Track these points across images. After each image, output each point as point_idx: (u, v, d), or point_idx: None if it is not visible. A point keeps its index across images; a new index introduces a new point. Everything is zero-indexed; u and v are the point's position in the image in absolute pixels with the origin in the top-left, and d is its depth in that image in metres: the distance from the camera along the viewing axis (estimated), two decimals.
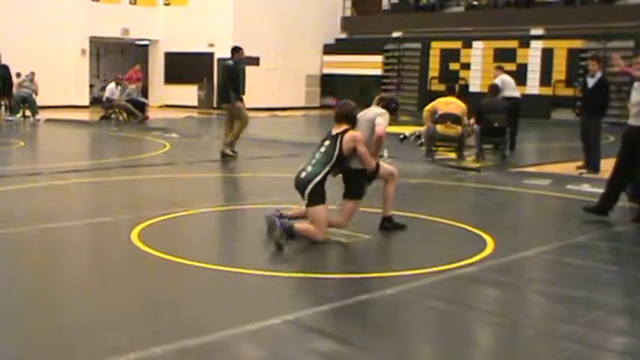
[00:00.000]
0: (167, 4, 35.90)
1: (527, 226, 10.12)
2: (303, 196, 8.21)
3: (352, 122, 8.49)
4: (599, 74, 14.15)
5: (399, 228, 8.71)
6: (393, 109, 9.00)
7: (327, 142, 8.38)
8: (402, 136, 20.05)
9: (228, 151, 15.78)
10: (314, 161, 8.31)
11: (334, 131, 8.42)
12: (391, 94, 9.11)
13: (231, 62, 16.47)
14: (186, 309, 6.03)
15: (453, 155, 15.83)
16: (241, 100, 16.44)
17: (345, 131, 8.35)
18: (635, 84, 9.85)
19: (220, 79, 16.34)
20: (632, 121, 9.84)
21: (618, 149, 10.04)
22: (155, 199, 11.22)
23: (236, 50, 16.64)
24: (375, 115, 8.72)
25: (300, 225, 8.16)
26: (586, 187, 12.48)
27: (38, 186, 11.81)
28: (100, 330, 5.46)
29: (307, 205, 8.20)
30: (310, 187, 8.14)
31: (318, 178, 8.17)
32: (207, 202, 10.48)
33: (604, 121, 14.68)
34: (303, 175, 8.25)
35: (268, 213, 8.27)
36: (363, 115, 8.79)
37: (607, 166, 14.48)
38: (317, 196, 8.17)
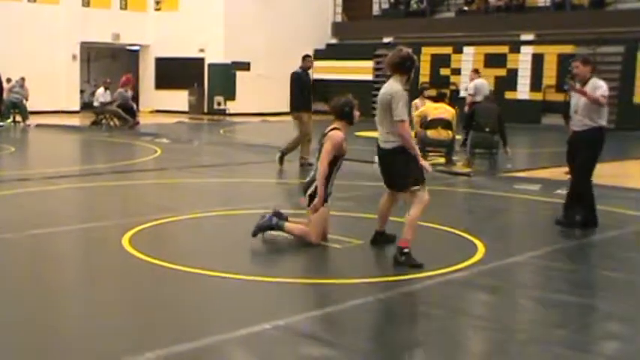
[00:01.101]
0: (158, 10, 35.89)
1: (517, 231, 10.15)
2: (304, 192, 8.37)
3: (344, 118, 8.44)
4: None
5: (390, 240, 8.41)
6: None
7: (323, 142, 8.40)
8: None
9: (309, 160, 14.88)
10: (316, 163, 8.42)
11: (326, 130, 8.46)
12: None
13: (300, 70, 15.84)
14: (178, 314, 6.02)
15: (442, 160, 15.86)
16: (308, 111, 15.47)
17: (332, 130, 8.36)
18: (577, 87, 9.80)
19: (293, 87, 15.59)
20: (575, 127, 9.69)
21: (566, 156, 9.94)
22: (146, 204, 11.21)
23: (304, 58, 16.07)
24: (389, 97, 7.75)
25: (291, 225, 8.19)
26: None
27: (29, 191, 11.79)
28: (90, 335, 5.45)
29: (308, 205, 8.27)
30: (311, 189, 8.23)
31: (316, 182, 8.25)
32: (198, 208, 10.47)
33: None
34: (307, 179, 8.46)
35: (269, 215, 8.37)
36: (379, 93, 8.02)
37: (596, 171, 14.56)
38: (314, 197, 8.22)
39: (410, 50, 7.99)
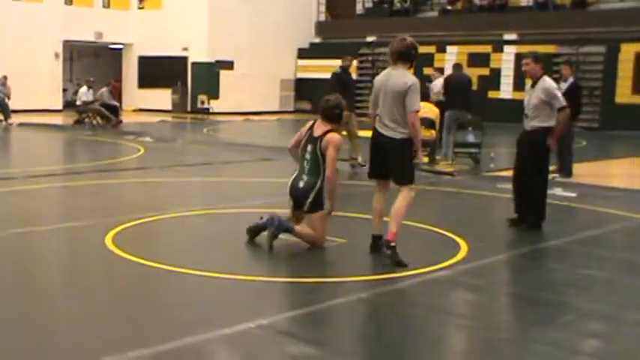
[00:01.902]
0: (141, 8, 35.81)
1: (500, 229, 10.17)
2: (302, 204, 8.18)
3: (335, 120, 8.40)
4: (571, 79, 14.28)
5: None
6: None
7: (309, 148, 8.29)
8: None
9: (359, 161, 14.82)
10: (307, 171, 8.26)
11: (316, 132, 8.32)
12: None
13: (339, 70, 15.62)
14: (161, 313, 6.02)
15: (425, 160, 15.88)
16: (352, 111, 15.03)
17: (326, 133, 8.26)
18: (527, 87, 9.82)
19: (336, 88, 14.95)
20: (527, 127, 9.65)
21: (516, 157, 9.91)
22: (129, 203, 11.19)
23: (344, 58, 15.97)
24: (405, 87, 7.68)
25: (302, 229, 8.15)
26: (559, 191, 12.55)
27: (11, 190, 11.74)
28: (73, 334, 5.44)
29: (307, 212, 8.18)
30: (312, 195, 8.15)
31: (317, 187, 8.17)
32: (182, 207, 10.45)
33: (577, 126, 14.79)
34: (302, 184, 8.22)
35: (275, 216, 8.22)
36: (387, 79, 7.86)
37: (579, 170, 14.65)
38: (317, 204, 8.19)
39: (412, 39, 7.93)
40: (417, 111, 7.67)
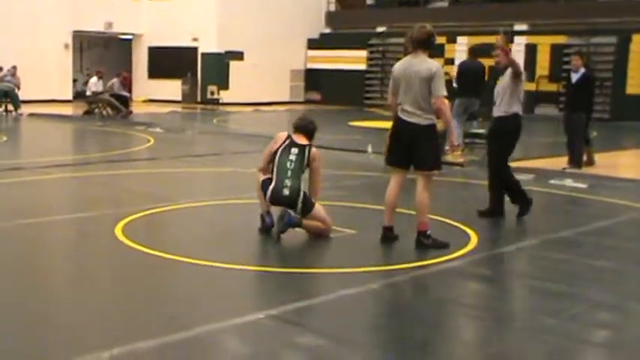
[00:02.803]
0: None
1: (510, 220, 10.15)
2: (293, 210, 8.13)
3: (311, 134, 8.46)
4: (582, 70, 14.21)
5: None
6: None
7: (294, 150, 8.26)
8: None
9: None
10: (290, 174, 8.17)
11: (298, 140, 8.34)
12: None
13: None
14: (170, 304, 6.03)
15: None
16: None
17: (310, 145, 8.34)
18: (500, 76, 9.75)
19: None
20: (498, 112, 9.59)
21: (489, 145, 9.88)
22: (139, 193, 11.20)
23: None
24: (430, 73, 7.72)
25: (309, 222, 8.16)
26: (569, 182, 12.54)
27: (21, 180, 11.77)
28: (83, 325, 5.45)
29: (303, 215, 8.15)
30: (300, 199, 8.10)
31: (302, 190, 8.14)
32: (192, 197, 10.47)
33: (588, 117, 14.70)
34: (287, 192, 8.12)
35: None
36: (408, 67, 7.88)
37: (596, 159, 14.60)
38: (308, 204, 8.16)
39: (430, 26, 7.93)
40: (444, 96, 7.70)
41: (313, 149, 8.33)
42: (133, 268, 7.12)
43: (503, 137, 9.50)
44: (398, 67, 8.00)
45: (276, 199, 8.20)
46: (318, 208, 8.23)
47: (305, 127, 8.48)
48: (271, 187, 8.21)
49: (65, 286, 6.59)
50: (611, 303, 6.35)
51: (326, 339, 5.23)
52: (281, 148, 8.30)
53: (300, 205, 8.10)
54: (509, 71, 9.38)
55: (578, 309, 6.08)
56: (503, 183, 9.67)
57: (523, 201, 9.74)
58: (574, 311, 6.01)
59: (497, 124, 9.59)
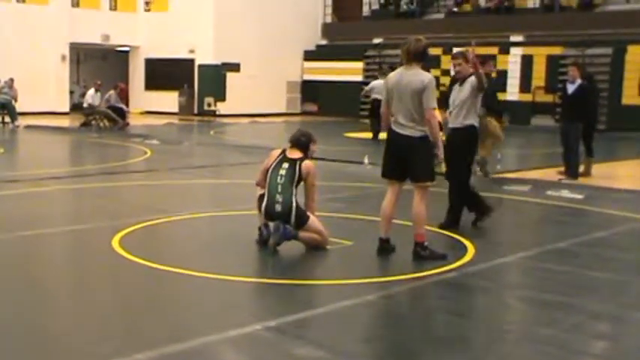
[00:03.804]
0: (148, 10, 35.82)
1: (507, 231, 10.18)
2: (288, 222, 8.11)
3: (304, 147, 8.43)
4: (579, 81, 14.24)
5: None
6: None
7: (285, 165, 8.27)
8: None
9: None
10: (280, 189, 8.16)
11: (290, 155, 8.35)
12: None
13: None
14: (168, 315, 6.02)
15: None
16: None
17: (302, 158, 8.31)
18: (456, 85, 9.66)
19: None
20: (454, 124, 9.48)
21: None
22: (136, 205, 11.20)
23: (484, 61, 15.07)
24: (422, 85, 7.73)
25: (305, 234, 8.16)
26: (566, 193, 12.56)
27: (18, 193, 11.76)
28: (81, 337, 5.44)
29: (298, 228, 8.12)
30: (293, 214, 8.09)
31: (294, 204, 8.11)
32: (189, 209, 10.47)
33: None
34: (279, 208, 8.10)
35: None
36: (400, 79, 7.89)
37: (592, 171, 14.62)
38: (303, 218, 8.15)
39: (424, 39, 7.96)
40: (435, 108, 7.71)
41: (305, 162, 8.29)
42: (131, 279, 7.12)
43: (463, 148, 9.45)
44: (391, 78, 8.02)
45: (270, 215, 8.20)
46: (313, 219, 8.23)
47: (297, 140, 8.47)
48: (264, 204, 8.24)
49: (63, 298, 6.58)
50: (609, 313, 6.36)
51: (324, 350, 5.23)
52: (273, 165, 8.32)
53: (293, 218, 8.10)
54: (471, 83, 9.32)
55: (575, 320, 6.08)
56: (468, 193, 9.65)
57: (479, 208, 9.72)
58: (572, 322, 6.02)
59: (454, 136, 9.45)
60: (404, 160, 7.86)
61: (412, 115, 7.73)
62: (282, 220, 8.10)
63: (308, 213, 8.24)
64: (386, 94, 8.04)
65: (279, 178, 8.22)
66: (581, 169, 14.71)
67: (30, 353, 5.10)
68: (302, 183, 8.28)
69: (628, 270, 7.94)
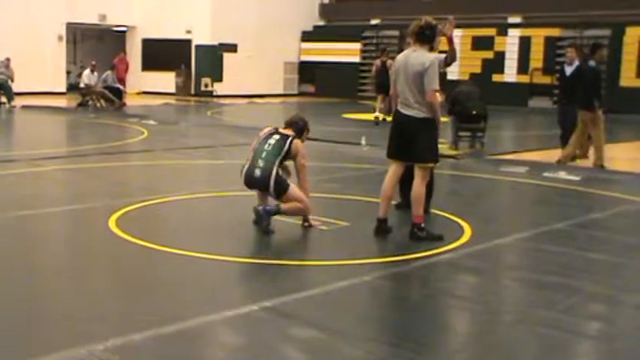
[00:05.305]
0: None
1: (504, 213, 10.18)
2: (267, 190, 8.11)
3: (299, 134, 8.40)
4: (577, 62, 14.21)
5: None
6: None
7: (275, 137, 8.27)
8: (376, 121, 20.42)
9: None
10: (264, 155, 8.15)
11: (283, 131, 8.37)
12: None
13: (593, 63, 13.79)
14: (164, 296, 6.03)
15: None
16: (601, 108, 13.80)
17: (294, 137, 8.29)
18: None
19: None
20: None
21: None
22: (133, 186, 11.19)
23: (598, 48, 14.08)
24: (422, 67, 7.72)
25: (287, 205, 8.14)
26: (562, 175, 12.56)
27: (15, 173, 11.74)
28: (77, 317, 5.44)
29: (277, 197, 8.13)
30: (272, 181, 8.04)
31: (274, 171, 8.06)
32: (185, 190, 10.46)
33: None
34: (259, 173, 8.09)
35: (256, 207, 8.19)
36: (405, 60, 7.90)
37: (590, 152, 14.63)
38: (283, 184, 8.10)
39: (431, 19, 7.90)
40: (436, 90, 7.68)
41: (296, 140, 8.27)
42: (127, 260, 7.12)
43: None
44: (397, 59, 8.05)
45: (249, 180, 8.21)
46: (294, 187, 8.17)
47: (294, 122, 8.50)
48: (245, 168, 8.23)
49: (59, 278, 6.57)
50: (605, 295, 6.37)
51: (319, 331, 5.24)
52: (263, 137, 8.33)
53: (272, 184, 8.04)
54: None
55: (572, 301, 6.09)
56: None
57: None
58: (568, 303, 6.02)
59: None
60: (408, 141, 7.86)
61: (416, 97, 7.74)
62: (261, 187, 8.12)
63: (289, 182, 8.22)
64: (394, 76, 8.04)
65: (266, 146, 8.22)
66: (580, 151, 14.71)
67: (24, 333, 5.10)
68: (293, 165, 8.26)
69: (624, 251, 7.95)
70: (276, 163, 8.12)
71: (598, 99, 13.51)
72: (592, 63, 13.72)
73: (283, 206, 8.12)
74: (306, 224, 8.30)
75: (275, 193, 8.11)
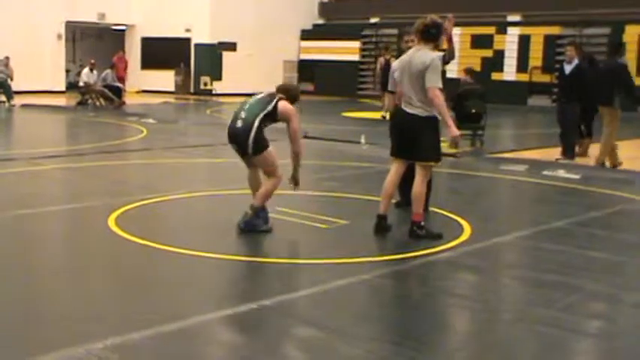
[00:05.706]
0: None
1: (503, 211, 10.17)
2: (245, 147, 7.98)
3: (290, 99, 8.22)
4: (576, 61, 14.20)
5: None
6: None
7: (263, 94, 8.22)
8: (384, 118, 20.40)
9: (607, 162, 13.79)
10: (247, 106, 8.09)
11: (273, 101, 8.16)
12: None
13: (623, 60, 13.98)
14: (164, 294, 6.02)
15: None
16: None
17: (281, 97, 8.13)
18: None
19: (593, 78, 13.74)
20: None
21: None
22: (132, 184, 11.18)
23: (621, 46, 14.45)
24: (423, 66, 7.70)
25: (256, 198, 8.04)
26: (562, 173, 12.55)
27: (14, 171, 11.73)
28: (76, 316, 5.44)
29: (253, 155, 8.01)
30: (252, 135, 7.90)
31: (256, 125, 7.91)
32: (185, 188, 10.45)
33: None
34: (240, 124, 7.99)
35: (242, 223, 8.03)
36: (409, 59, 7.91)
37: (589, 150, 14.62)
38: (261, 144, 7.98)
39: (436, 17, 7.90)
40: (438, 87, 7.66)
41: (284, 102, 8.10)
42: (127, 259, 7.11)
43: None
44: (401, 58, 8.10)
45: (231, 132, 8.11)
46: (271, 151, 8.05)
47: (285, 88, 8.40)
48: (228, 124, 8.16)
49: (58, 277, 6.57)
50: (604, 293, 6.37)
51: (319, 329, 5.23)
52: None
53: (251, 141, 7.91)
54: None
55: (571, 299, 6.09)
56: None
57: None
58: (567, 301, 6.02)
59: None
60: (412, 140, 7.86)
61: (419, 95, 7.75)
62: (240, 143, 8.01)
63: (296, 165, 8.17)
64: (398, 73, 8.05)
65: (252, 100, 8.19)
66: (579, 149, 14.71)
67: (23, 332, 5.09)
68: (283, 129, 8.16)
69: (624, 250, 7.94)
70: (259, 117, 7.95)
71: (632, 94, 13.78)
72: (622, 59, 14.05)
73: (255, 203, 8.02)
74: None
75: (252, 150, 7.95)
